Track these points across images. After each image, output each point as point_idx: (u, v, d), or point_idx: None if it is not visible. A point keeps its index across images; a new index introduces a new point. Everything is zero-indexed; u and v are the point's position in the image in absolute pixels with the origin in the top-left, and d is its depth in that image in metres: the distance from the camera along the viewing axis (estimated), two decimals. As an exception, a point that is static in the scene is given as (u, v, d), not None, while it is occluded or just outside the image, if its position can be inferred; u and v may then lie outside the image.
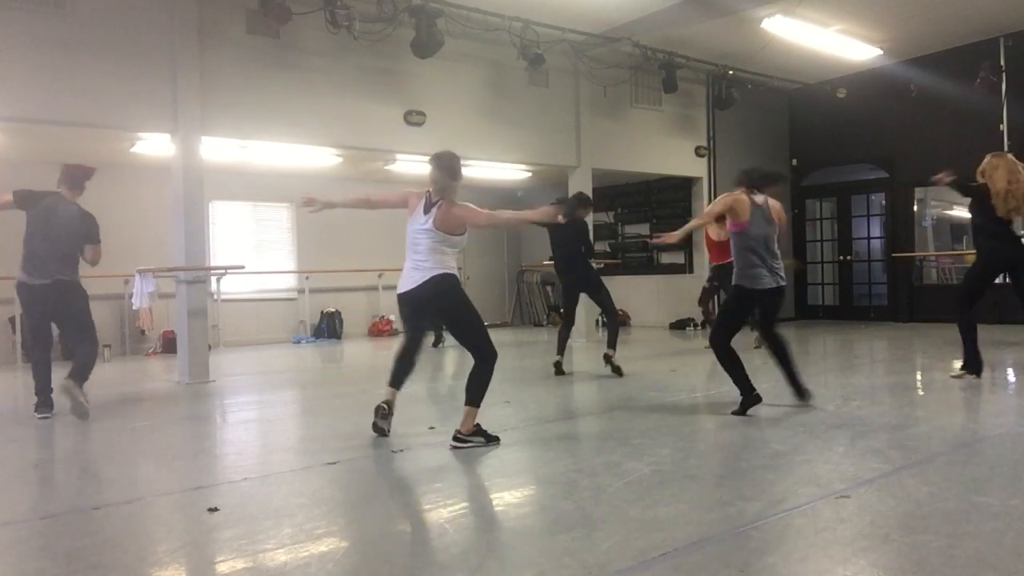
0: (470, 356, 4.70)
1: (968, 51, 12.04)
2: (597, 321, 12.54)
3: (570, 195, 11.99)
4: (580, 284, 7.84)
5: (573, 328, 8.18)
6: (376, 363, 9.59)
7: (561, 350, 7.86)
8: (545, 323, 15.31)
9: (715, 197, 13.04)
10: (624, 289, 13.93)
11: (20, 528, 3.43)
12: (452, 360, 9.64)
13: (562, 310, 8.26)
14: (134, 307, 9.07)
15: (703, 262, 11.70)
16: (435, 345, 10.75)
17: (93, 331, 6.22)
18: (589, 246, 7.93)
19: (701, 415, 5.66)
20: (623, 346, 8.26)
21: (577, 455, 4.54)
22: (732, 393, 5.58)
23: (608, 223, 14.76)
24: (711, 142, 13.50)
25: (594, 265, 8.27)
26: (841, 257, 14.51)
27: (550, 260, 8.26)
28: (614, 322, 7.80)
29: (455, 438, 4.61)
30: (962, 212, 12.40)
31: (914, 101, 12.71)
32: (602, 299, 7.82)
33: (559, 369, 7.75)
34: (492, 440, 4.67)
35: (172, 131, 8.19)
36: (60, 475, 4.43)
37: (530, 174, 12.89)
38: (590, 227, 8.31)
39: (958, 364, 6.78)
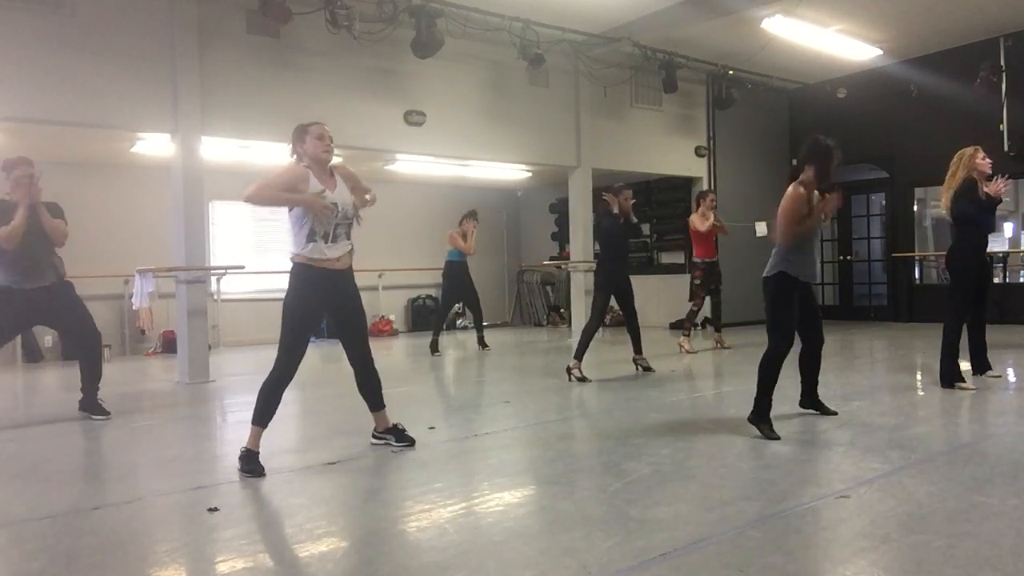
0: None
1: (968, 51, 12.04)
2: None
3: (570, 194, 12.03)
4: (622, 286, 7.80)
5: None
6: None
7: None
8: (545, 323, 15.29)
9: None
10: (624, 289, 13.93)
11: (20, 528, 3.43)
12: (451, 361, 9.63)
13: (596, 310, 7.71)
14: (134, 307, 9.06)
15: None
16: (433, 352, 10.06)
17: None
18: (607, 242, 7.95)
19: (701, 415, 5.65)
20: (622, 346, 8.27)
21: (577, 455, 4.54)
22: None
23: (608, 223, 14.74)
24: (711, 142, 13.50)
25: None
26: (841, 257, 14.51)
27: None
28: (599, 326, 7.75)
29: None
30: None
31: (914, 101, 12.71)
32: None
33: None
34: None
35: (172, 131, 8.20)
36: (60, 475, 4.43)
37: (530, 174, 12.90)
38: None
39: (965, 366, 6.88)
